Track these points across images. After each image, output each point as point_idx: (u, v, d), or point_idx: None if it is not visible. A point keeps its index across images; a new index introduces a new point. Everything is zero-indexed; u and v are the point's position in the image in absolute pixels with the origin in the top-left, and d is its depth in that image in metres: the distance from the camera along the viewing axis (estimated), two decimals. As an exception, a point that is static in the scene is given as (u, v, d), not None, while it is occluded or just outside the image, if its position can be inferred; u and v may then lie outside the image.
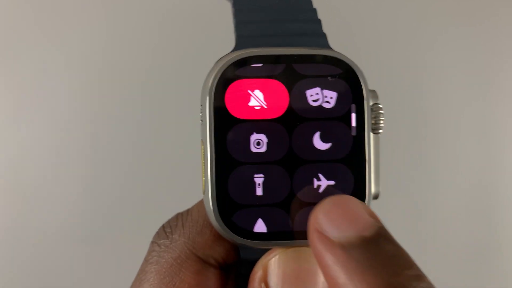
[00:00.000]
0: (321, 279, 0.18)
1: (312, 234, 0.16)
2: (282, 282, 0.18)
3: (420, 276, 0.14)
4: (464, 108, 0.55)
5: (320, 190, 0.19)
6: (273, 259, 0.18)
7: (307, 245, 0.18)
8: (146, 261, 0.20)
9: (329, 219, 0.16)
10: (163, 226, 0.21)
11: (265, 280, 0.18)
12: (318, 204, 0.16)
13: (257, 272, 0.19)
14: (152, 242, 0.20)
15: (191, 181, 0.46)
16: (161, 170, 0.50)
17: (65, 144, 0.50)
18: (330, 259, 0.15)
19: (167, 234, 0.20)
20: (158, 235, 0.20)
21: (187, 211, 0.21)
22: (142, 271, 0.20)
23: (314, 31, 0.21)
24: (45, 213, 0.49)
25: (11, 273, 0.50)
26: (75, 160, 0.50)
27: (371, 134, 0.20)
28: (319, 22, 0.21)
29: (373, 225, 0.15)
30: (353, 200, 0.16)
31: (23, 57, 0.49)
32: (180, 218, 0.20)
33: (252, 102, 0.19)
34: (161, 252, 0.20)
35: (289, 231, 0.19)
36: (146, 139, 0.50)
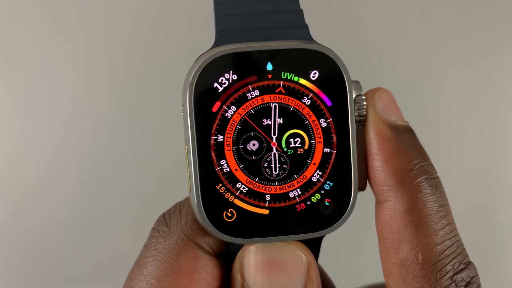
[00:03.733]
0: (286, 271, 0.20)
1: (368, 109, 0.19)
2: (253, 272, 0.19)
3: (431, 167, 0.19)
4: (465, 109, 0.54)
5: (300, 188, 0.20)
6: (246, 250, 0.20)
7: (285, 241, 0.20)
8: (145, 246, 0.21)
9: (383, 104, 0.20)
10: (163, 214, 0.21)
11: (241, 271, 0.20)
12: (375, 90, 0.20)
13: (235, 264, 0.20)
14: (152, 229, 0.21)
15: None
16: (162, 169, 0.50)
17: (65, 144, 0.50)
18: (376, 132, 0.19)
19: (166, 221, 0.21)
20: (158, 222, 0.21)
21: (185, 199, 0.22)
22: (141, 257, 0.20)
23: (296, 23, 0.20)
24: (44, 212, 0.49)
25: (11, 273, 0.50)
26: (74, 159, 0.50)
27: (355, 126, 0.20)
28: (301, 12, 0.21)
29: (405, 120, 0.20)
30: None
31: (23, 56, 0.49)
32: (178, 206, 0.21)
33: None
34: (159, 238, 0.20)
35: (271, 228, 0.20)
36: (146, 138, 0.50)
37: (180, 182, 0.49)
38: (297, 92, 0.19)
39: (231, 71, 0.19)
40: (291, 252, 0.20)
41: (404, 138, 0.19)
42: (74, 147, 0.50)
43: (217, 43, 0.19)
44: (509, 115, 0.55)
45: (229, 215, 0.19)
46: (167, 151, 0.50)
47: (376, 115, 0.19)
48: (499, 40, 0.54)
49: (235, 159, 0.19)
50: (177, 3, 0.50)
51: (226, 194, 0.19)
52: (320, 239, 0.21)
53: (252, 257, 0.19)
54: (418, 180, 0.19)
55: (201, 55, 0.19)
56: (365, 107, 0.20)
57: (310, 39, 0.20)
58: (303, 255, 0.20)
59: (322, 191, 0.20)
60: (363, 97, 0.20)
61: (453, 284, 0.18)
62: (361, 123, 0.20)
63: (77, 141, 0.50)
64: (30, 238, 0.49)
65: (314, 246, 0.20)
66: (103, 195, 0.50)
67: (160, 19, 0.50)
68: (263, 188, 0.19)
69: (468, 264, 0.19)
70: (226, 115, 0.19)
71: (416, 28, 0.53)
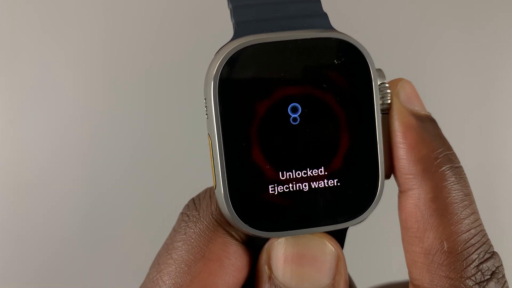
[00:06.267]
0: (315, 264, 0.19)
1: (393, 98, 0.20)
2: (282, 265, 0.19)
3: (454, 156, 0.19)
4: (465, 109, 0.55)
5: (327, 179, 0.19)
6: (275, 243, 0.19)
7: (313, 233, 0.20)
8: (174, 231, 0.20)
9: (407, 94, 0.20)
10: (193, 199, 0.21)
11: (268, 263, 0.19)
12: (397, 80, 0.20)
13: (262, 256, 0.20)
14: (182, 213, 0.21)
15: (195, 180, 0.46)
16: (164, 169, 0.50)
17: (65, 143, 0.49)
18: (401, 121, 0.19)
19: (196, 205, 0.20)
20: (187, 206, 0.21)
21: None
22: (170, 241, 0.20)
23: (315, 12, 0.20)
24: (45, 212, 0.49)
25: (11, 273, 0.49)
26: (76, 159, 0.49)
27: (380, 114, 0.19)
28: (318, 1, 0.20)
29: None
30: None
31: (23, 56, 0.49)
32: (208, 191, 0.21)
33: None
34: (189, 223, 0.20)
35: (299, 221, 0.19)
36: (147, 138, 0.50)
37: (181, 182, 0.49)
38: (323, 82, 0.19)
39: (255, 63, 0.18)
40: (321, 245, 0.19)
41: (428, 127, 0.19)
42: (74, 147, 0.49)
43: (237, 35, 0.19)
44: (509, 115, 0.55)
45: (257, 208, 0.19)
46: (169, 151, 0.50)
47: (400, 104, 0.20)
48: (500, 40, 0.54)
49: (261, 151, 0.19)
50: (177, 3, 0.50)
51: (253, 188, 0.19)
52: (345, 231, 0.20)
53: (281, 249, 0.19)
54: (443, 168, 0.19)
55: (221, 47, 0.19)
56: (389, 96, 0.20)
57: (330, 28, 0.20)
58: (333, 248, 0.19)
59: (350, 181, 0.19)
60: (387, 85, 0.20)
61: (479, 273, 0.18)
62: (385, 111, 0.20)
63: (77, 140, 0.49)
64: (30, 238, 0.49)
65: (339, 238, 0.20)
66: (104, 195, 0.50)
67: (160, 20, 0.50)
68: (290, 180, 0.19)
69: (493, 254, 0.19)
70: (252, 107, 0.18)
71: (415, 28, 0.54)
